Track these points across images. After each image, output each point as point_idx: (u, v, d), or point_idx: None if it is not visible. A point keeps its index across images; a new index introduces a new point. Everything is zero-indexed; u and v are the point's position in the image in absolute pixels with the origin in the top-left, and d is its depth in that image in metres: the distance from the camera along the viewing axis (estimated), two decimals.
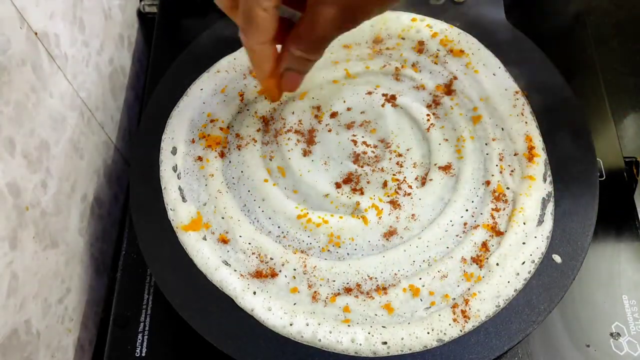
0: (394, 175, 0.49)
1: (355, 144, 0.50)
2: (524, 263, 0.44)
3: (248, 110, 0.52)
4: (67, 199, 0.48)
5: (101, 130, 0.55)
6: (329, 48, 0.55)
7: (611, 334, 0.46)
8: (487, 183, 0.48)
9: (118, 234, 0.58)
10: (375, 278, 0.44)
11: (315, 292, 0.44)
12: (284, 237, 0.46)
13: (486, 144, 0.50)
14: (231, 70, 0.55)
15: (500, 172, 0.48)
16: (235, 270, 0.45)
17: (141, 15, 0.67)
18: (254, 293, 0.44)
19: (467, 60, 0.54)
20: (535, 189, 0.47)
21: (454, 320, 0.42)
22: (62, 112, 0.47)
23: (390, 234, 0.46)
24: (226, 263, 0.45)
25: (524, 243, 0.45)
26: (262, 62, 0.42)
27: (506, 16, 0.56)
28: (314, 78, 0.54)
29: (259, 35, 0.39)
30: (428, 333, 0.42)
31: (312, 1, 0.37)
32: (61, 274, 0.47)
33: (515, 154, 0.49)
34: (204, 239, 0.46)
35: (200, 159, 0.50)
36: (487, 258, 0.45)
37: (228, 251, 0.46)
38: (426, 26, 0.56)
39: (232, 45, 0.56)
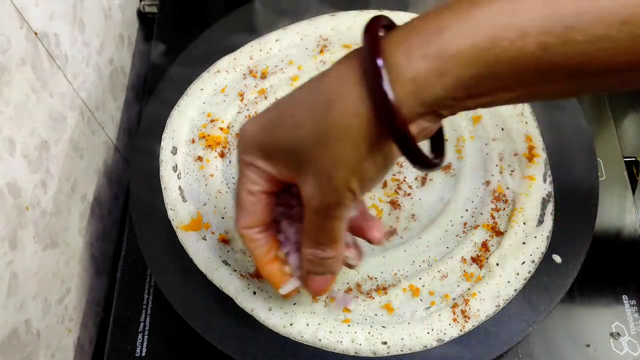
0: (393, 175, 0.49)
1: None
2: (524, 263, 0.44)
3: (248, 110, 0.52)
4: (67, 199, 0.48)
5: (101, 130, 0.55)
6: (329, 48, 0.55)
7: (611, 334, 0.46)
8: (487, 183, 0.48)
9: (118, 234, 0.58)
10: (375, 278, 0.44)
11: None
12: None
13: (486, 144, 0.50)
14: (231, 70, 0.55)
15: (500, 172, 0.48)
16: (235, 270, 0.45)
17: (141, 15, 0.67)
18: (254, 293, 0.44)
19: None
20: (535, 189, 0.47)
21: (454, 320, 0.42)
22: (62, 112, 0.47)
23: (390, 234, 0.46)
24: (226, 263, 0.45)
25: (524, 243, 0.45)
26: (251, 247, 0.38)
27: None
28: None
29: (244, 219, 0.36)
30: (428, 333, 0.42)
31: (299, 185, 0.33)
32: (61, 274, 0.47)
33: (515, 154, 0.49)
34: (204, 239, 0.46)
35: (200, 159, 0.50)
36: (487, 258, 0.45)
37: (228, 251, 0.46)
38: None
39: (232, 45, 0.56)
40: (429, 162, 0.30)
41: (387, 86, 0.27)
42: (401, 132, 0.28)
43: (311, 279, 0.38)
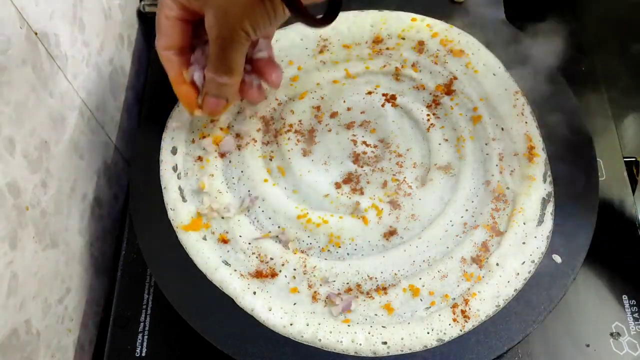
0: (394, 175, 0.49)
1: (355, 144, 0.50)
2: (524, 263, 0.44)
3: (248, 110, 0.52)
4: (67, 199, 0.48)
5: (101, 130, 0.55)
6: (329, 48, 0.55)
7: (611, 334, 0.46)
8: (487, 183, 0.48)
9: (118, 234, 0.58)
10: (375, 278, 0.44)
11: (315, 292, 0.44)
12: (284, 237, 0.46)
13: (486, 144, 0.50)
14: None
15: (500, 172, 0.48)
16: (235, 270, 0.45)
17: (141, 15, 0.67)
18: (254, 293, 0.44)
19: (467, 60, 0.54)
20: (535, 189, 0.47)
21: (454, 320, 0.42)
22: (62, 112, 0.47)
23: (390, 234, 0.46)
24: (226, 263, 0.45)
25: (524, 243, 0.45)
26: (167, 67, 0.45)
27: (506, 16, 0.56)
28: (314, 78, 0.54)
29: (162, 40, 0.44)
30: (428, 333, 0.42)
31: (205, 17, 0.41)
32: (61, 274, 0.47)
33: (515, 154, 0.49)
34: (204, 239, 0.46)
35: (200, 159, 0.50)
36: (487, 258, 0.45)
37: (228, 251, 0.46)
38: (426, 26, 0.56)
39: None
40: (310, 18, 0.37)
41: None
42: None
43: (207, 99, 0.45)
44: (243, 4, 0.38)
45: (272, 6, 0.39)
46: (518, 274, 0.44)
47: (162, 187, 0.49)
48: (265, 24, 0.40)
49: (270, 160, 0.50)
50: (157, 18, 0.43)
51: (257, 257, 0.45)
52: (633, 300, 0.47)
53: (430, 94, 0.53)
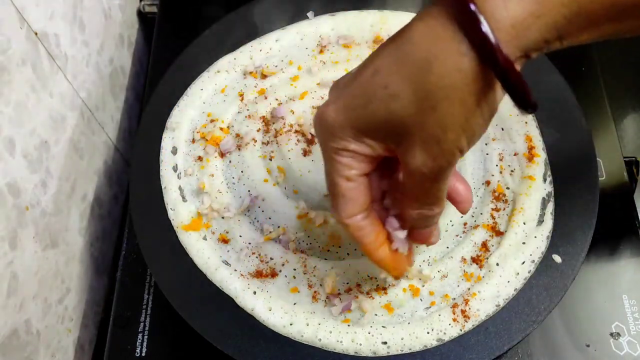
0: None
1: None
2: (524, 263, 0.44)
3: (248, 110, 0.52)
4: (67, 199, 0.48)
5: (101, 130, 0.55)
6: (329, 48, 0.55)
7: (611, 334, 0.46)
8: (487, 183, 0.48)
9: (118, 234, 0.58)
10: (375, 278, 0.44)
11: (315, 292, 0.44)
12: (284, 237, 0.46)
13: (486, 144, 0.50)
14: (231, 70, 0.55)
15: (500, 172, 0.48)
16: (235, 270, 0.45)
17: (141, 15, 0.67)
18: (254, 293, 0.44)
19: None
20: (535, 189, 0.47)
21: (454, 320, 0.42)
22: (62, 112, 0.47)
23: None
24: (226, 263, 0.45)
25: (524, 243, 0.45)
26: (358, 236, 0.35)
27: None
28: (314, 78, 0.54)
29: (347, 208, 0.34)
30: (428, 333, 0.42)
31: (399, 153, 0.32)
32: (61, 274, 0.47)
33: (515, 154, 0.49)
34: (204, 238, 0.46)
35: (200, 159, 0.50)
36: (487, 258, 0.45)
37: (228, 251, 0.46)
38: None
39: (232, 45, 0.56)
40: (532, 99, 0.29)
41: (487, 29, 0.26)
42: (507, 70, 0.27)
43: (417, 232, 0.37)
44: (460, 122, 0.29)
45: (489, 107, 0.30)
46: (518, 273, 0.44)
47: (162, 187, 0.49)
48: (481, 132, 0.31)
49: (270, 160, 0.50)
50: (332, 184, 0.33)
51: (257, 257, 0.45)
52: (633, 300, 0.47)
53: None
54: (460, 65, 0.27)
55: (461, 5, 0.27)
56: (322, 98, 0.53)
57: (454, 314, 0.42)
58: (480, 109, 0.29)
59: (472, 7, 0.26)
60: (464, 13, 0.27)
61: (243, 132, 0.51)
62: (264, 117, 0.52)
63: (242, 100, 0.53)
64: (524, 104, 0.29)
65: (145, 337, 0.47)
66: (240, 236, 0.46)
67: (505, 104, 0.50)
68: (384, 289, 0.44)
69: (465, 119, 0.29)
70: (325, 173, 0.34)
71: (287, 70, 0.54)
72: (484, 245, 0.45)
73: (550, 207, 0.47)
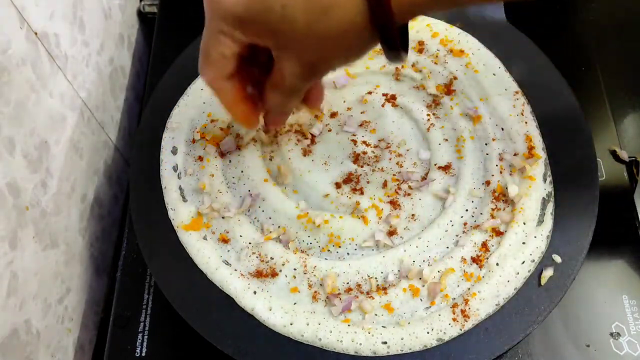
0: (394, 175, 0.49)
1: (355, 144, 0.50)
2: (523, 263, 0.44)
3: None
4: (67, 199, 0.48)
5: (101, 130, 0.55)
6: None
7: (611, 334, 0.46)
8: (487, 183, 0.48)
9: (118, 234, 0.58)
10: (375, 278, 0.44)
11: (315, 292, 0.44)
12: (284, 236, 0.46)
13: (486, 144, 0.50)
14: None
15: (500, 172, 0.48)
16: (235, 270, 0.45)
17: (141, 15, 0.67)
18: (254, 293, 0.44)
19: (467, 60, 0.54)
20: (535, 189, 0.47)
21: (454, 320, 0.42)
22: (62, 112, 0.47)
23: (390, 234, 0.46)
24: (226, 263, 0.45)
25: (524, 243, 0.45)
26: (220, 94, 0.41)
27: (506, 16, 0.56)
28: None
29: (213, 73, 0.39)
30: (428, 333, 0.42)
31: (276, 56, 0.37)
32: (61, 274, 0.47)
33: (515, 154, 0.49)
34: (205, 238, 0.46)
35: (200, 159, 0.50)
36: (487, 258, 0.45)
37: (228, 251, 0.46)
38: (426, 26, 0.56)
39: None
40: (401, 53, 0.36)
41: None
42: (391, 31, 0.34)
43: (271, 117, 0.44)
44: (338, 62, 0.37)
45: (364, 52, 0.37)
46: (518, 273, 0.44)
47: (163, 187, 0.49)
48: (355, 60, 0.38)
49: (270, 160, 0.50)
50: (206, 52, 0.38)
51: (257, 257, 0.45)
52: (633, 300, 0.47)
53: (430, 94, 0.53)
54: (355, 18, 0.33)
55: None
56: None
57: (453, 313, 0.42)
58: (358, 56, 0.37)
59: None
60: None
61: (243, 132, 0.51)
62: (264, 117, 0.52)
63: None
64: (394, 51, 0.36)
65: (145, 337, 0.47)
66: (241, 236, 0.46)
67: (505, 105, 0.51)
68: (384, 289, 0.44)
69: (344, 61, 0.38)
70: (202, 38, 0.38)
71: None
72: (484, 245, 0.45)
73: (550, 207, 0.47)
